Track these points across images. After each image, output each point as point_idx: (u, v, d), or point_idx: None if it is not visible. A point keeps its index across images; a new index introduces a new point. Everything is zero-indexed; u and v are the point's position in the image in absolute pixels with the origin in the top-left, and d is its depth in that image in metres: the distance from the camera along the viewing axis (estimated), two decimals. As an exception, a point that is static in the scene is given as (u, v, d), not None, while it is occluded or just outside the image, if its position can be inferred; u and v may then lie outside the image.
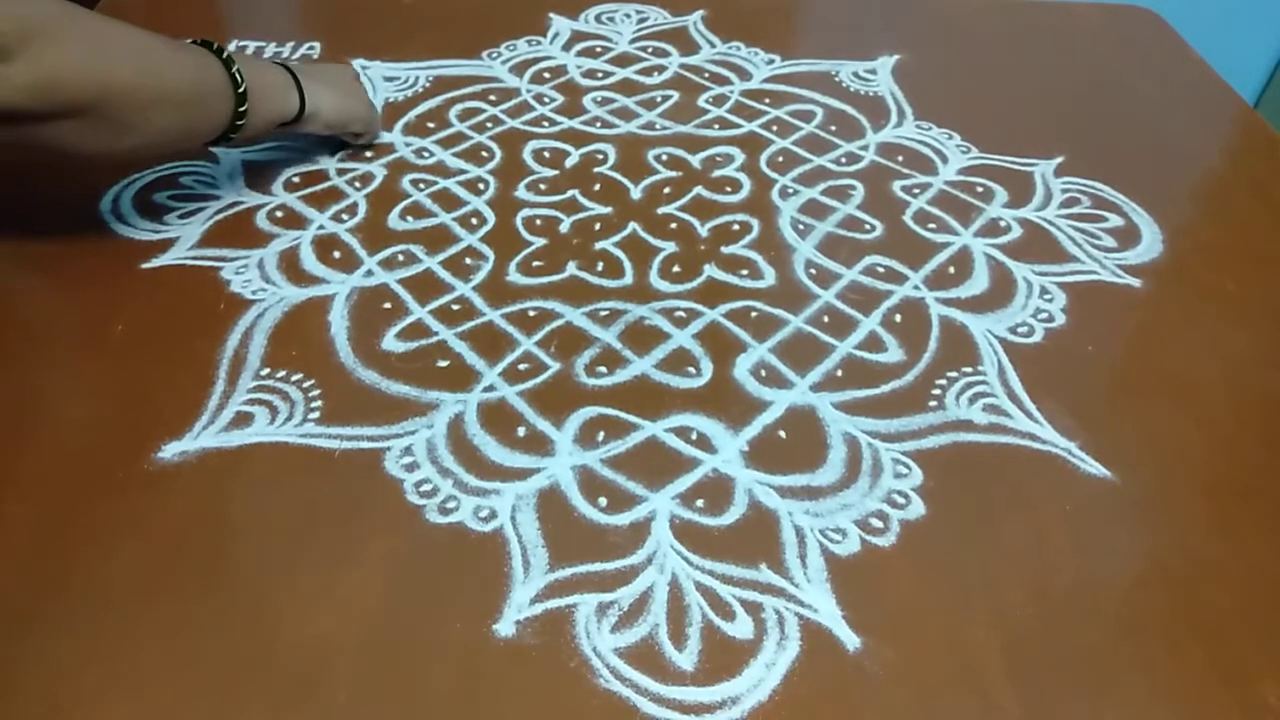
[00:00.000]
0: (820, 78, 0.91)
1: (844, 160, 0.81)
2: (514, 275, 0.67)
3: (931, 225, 0.74)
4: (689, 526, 0.51)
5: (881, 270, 0.69)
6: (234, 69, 0.62)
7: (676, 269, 0.68)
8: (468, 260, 0.68)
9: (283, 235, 0.69)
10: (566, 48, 0.94)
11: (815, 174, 0.79)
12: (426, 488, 0.52)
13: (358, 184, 0.75)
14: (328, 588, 0.48)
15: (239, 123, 0.64)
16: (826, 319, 0.65)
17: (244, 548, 0.50)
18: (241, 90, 0.63)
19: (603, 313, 0.64)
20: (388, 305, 0.64)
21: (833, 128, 0.85)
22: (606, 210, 0.74)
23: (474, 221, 0.72)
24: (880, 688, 0.45)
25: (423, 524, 0.51)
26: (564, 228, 0.72)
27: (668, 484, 0.53)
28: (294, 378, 0.58)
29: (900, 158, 0.81)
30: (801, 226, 0.73)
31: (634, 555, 0.50)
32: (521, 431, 0.56)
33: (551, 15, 0.99)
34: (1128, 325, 0.67)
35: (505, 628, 0.46)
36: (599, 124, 0.83)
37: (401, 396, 0.57)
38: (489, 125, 0.82)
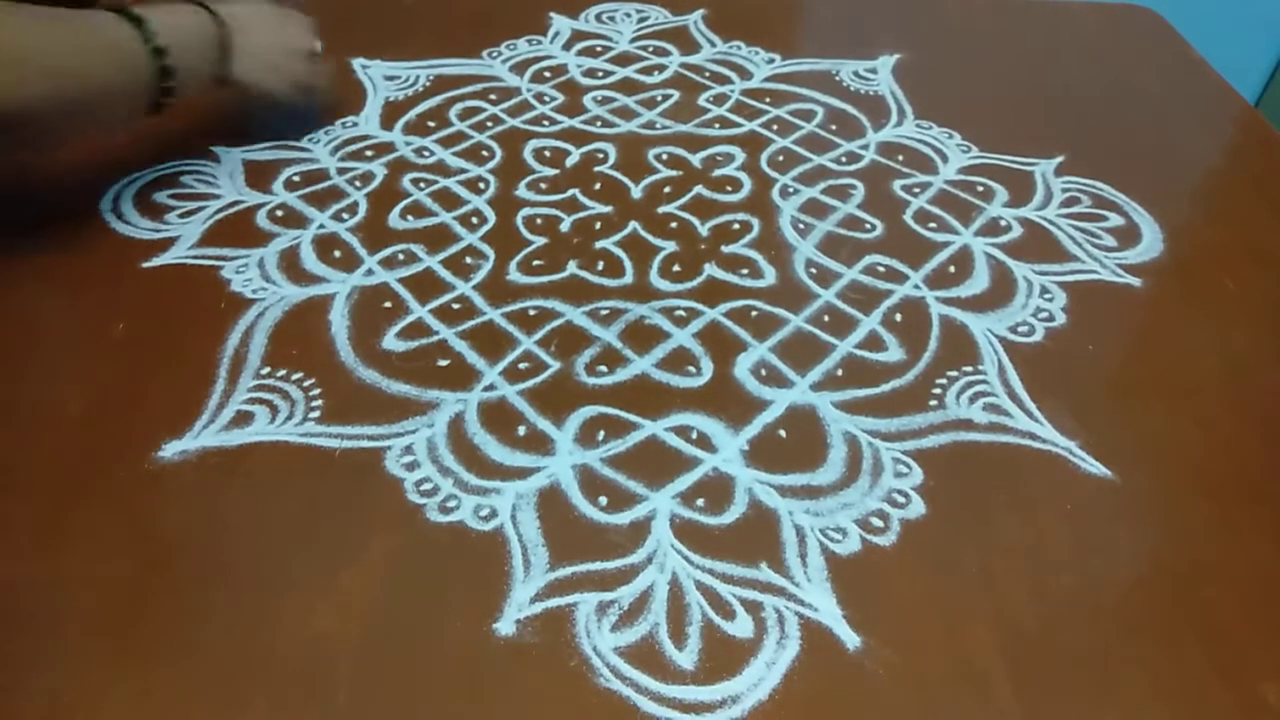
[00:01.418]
0: (820, 77, 0.91)
1: (844, 159, 0.81)
2: (514, 274, 0.67)
3: (932, 224, 0.74)
4: (689, 525, 0.51)
5: (882, 269, 0.69)
6: (167, 62, 0.62)
7: (677, 268, 0.68)
8: (468, 259, 0.68)
9: (283, 234, 0.69)
10: (567, 47, 0.94)
11: (815, 173, 0.79)
12: (427, 487, 0.52)
13: (358, 183, 0.75)
14: (328, 586, 0.48)
15: (161, 105, 0.64)
16: (827, 318, 0.65)
17: (244, 547, 0.50)
18: (170, 85, 0.63)
19: (603, 312, 0.64)
20: (388, 304, 0.64)
21: (833, 127, 0.85)
22: (607, 209, 0.74)
23: (474, 220, 0.72)
24: (880, 687, 0.45)
25: (423, 523, 0.51)
26: (564, 227, 0.72)
27: (668, 483, 0.53)
28: (294, 377, 0.58)
29: (900, 157, 0.81)
30: (802, 225, 0.73)
31: (634, 554, 0.50)
32: (522, 430, 0.56)
33: (552, 14, 0.99)
34: (1128, 324, 0.67)
35: (505, 627, 0.46)
36: (599, 123, 0.83)
37: (402, 395, 0.57)
38: (489, 124, 0.82)
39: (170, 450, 0.54)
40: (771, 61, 0.93)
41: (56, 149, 0.70)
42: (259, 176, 0.74)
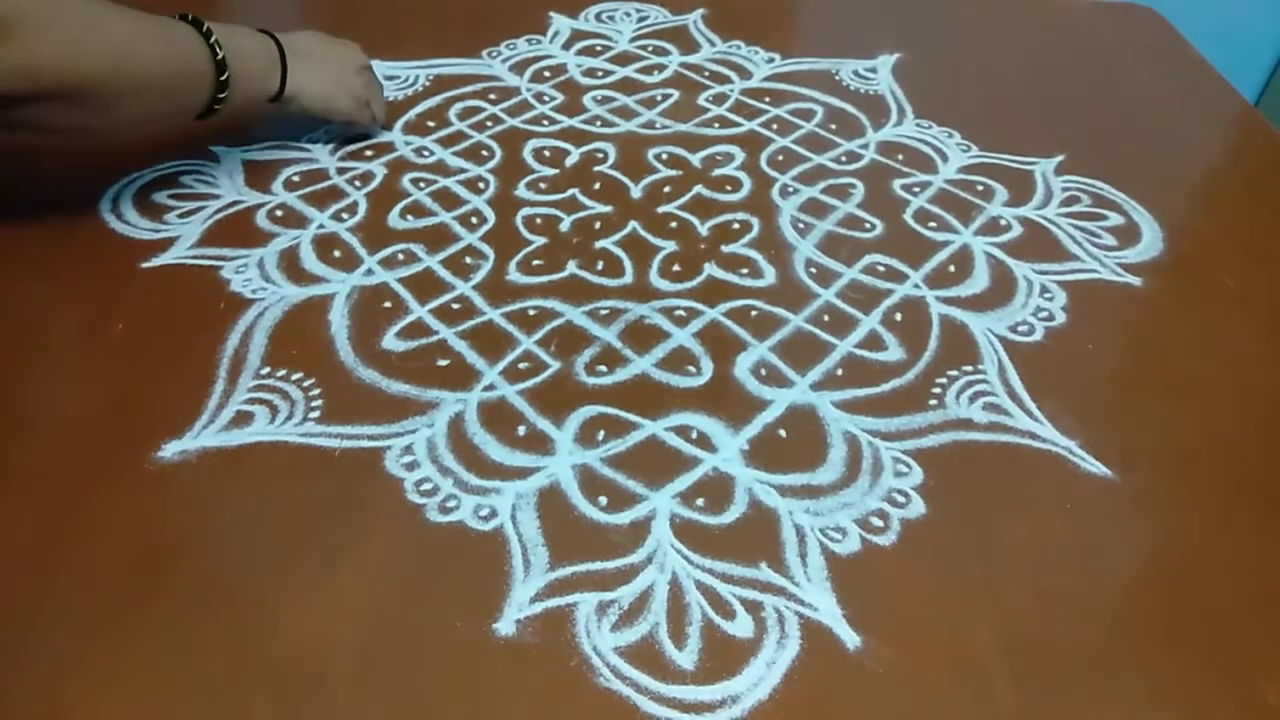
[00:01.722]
0: (820, 76, 0.91)
1: (844, 159, 0.81)
2: (514, 274, 0.67)
3: (932, 224, 0.74)
4: (689, 525, 0.51)
5: (882, 269, 0.69)
6: (219, 56, 0.63)
7: (677, 268, 0.68)
8: (468, 259, 0.68)
9: (283, 234, 0.69)
10: (566, 46, 0.94)
11: (815, 172, 0.79)
12: (427, 487, 0.52)
13: (358, 183, 0.75)
14: (328, 586, 0.48)
15: (217, 105, 0.65)
16: (827, 318, 0.65)
17: (244, 546, 0.50)
18: (224, 78, 0.64)
19: (603, 311, 0.64)
20: (388, 304, 0.64)
21: (833, 126, 0.85)
22: (607, 209, 0.74)
23: (474, 220, 0.72)
24: (880, 687, 0.45)
25: (423, 523, 0.51)
26: (564, 226, 0.72)
27: (668, 483, 0.53)
28: (294, 377, 0.58)
29: (900, 156, 0.81)
30: (802, 225, 0.73)
31: (634, 554, 0.50)
32: (522, 430, 0.56)
33: (551, 14, 0.99)
34: (1128, 324, 0.67)
35: (505, 627, 0.46)
36: (599, 123, 0.83)
37: (402, 395, 0.57)
38: (489, 124, 0.82)
39: (170, 450, 0.53)
40: (771, 61, 0.93)
41: (107, 134, 0.71)
42: (258, 176, 0.74)
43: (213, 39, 0.63)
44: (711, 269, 0.68)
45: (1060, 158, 0.82)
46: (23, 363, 0.59)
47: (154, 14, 0.61)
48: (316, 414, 0.56)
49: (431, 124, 0.82)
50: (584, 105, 0.86)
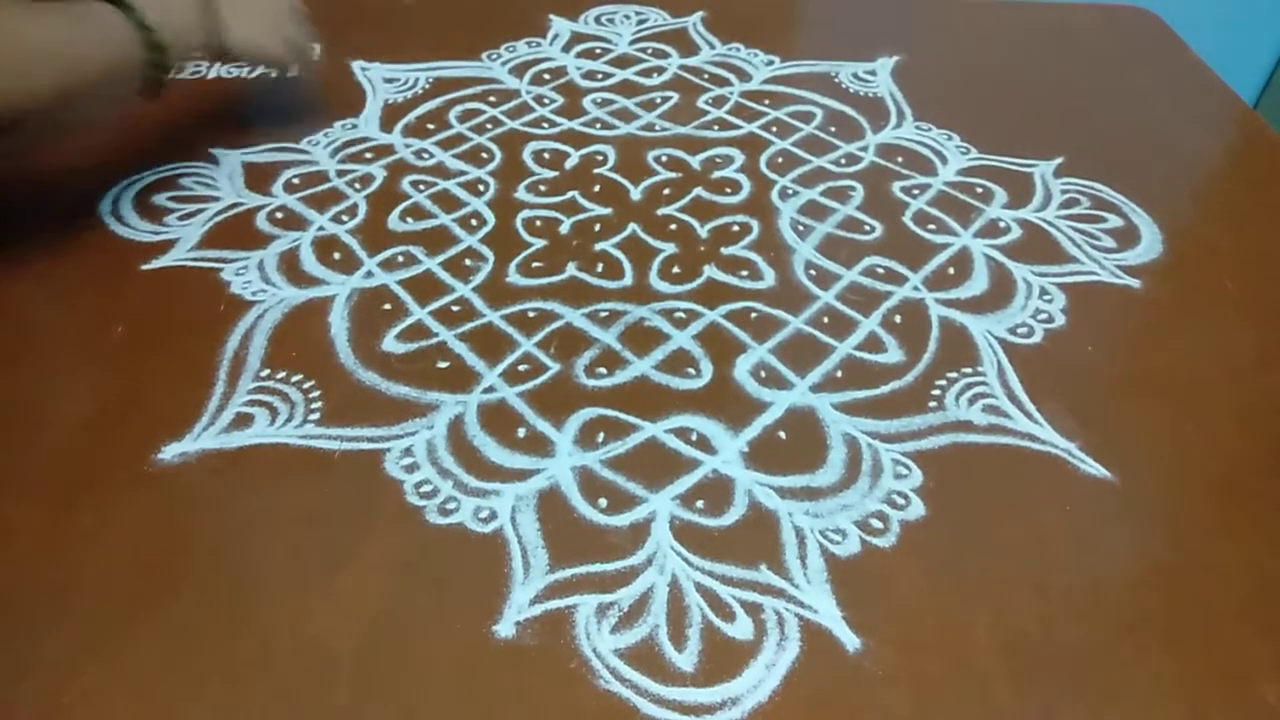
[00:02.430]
0: (820, 79, 0.92)
1: (843, 161, 0.81)
2: (514, 276, 0.67)
3: (931, 226, 0.74)
4: (689, 527, 0.51)
5: (881, 271, 0.69)
6: (151, 36, 0.62)
7: (676, 270, 0.68)
8: (467, 261, 0.68)
9: (283, 236, 0.69)
10: (566, 49, 0.94)
11: (815, 175, 0.79)
12: (426, 489, 0.52)
13: (357, 185, 0.75)
14: (328, 588, 0.48)
15: (158, 80, 0.64)
16: (826, 320, 0.65)
17: (244, 548, 0.50)
18: (163, 62, 0.63)
19: (602, 314, 0.64)
20: (388, 306, 0.64)
21: (832, 129, 0.85)
22: (606, 211, 0.74)
23: (474, 223, 0.72)
24: (880, 688, 0.45)
25: (423, 525, 0.51)
26: (564, 229, 0.72)
27: (668, 485, 0.53)
28: (294, 379, 0.58)
29: (900, 158, 0.81)
30: (801, 227, 0.73)
31: (634, 556, 0.50)
32: (521, 432, 0.56)
33: (551, 16, 0.99)
34: (1127, 326, 0.67)
35: (505, 628, 0.46)
36: (599, 125, 0.84)
37: (401, 397, 0.57)
38: (489, 126, 0.82)
39: (170, 452, 0.54)
40: (771, 63, 0.93)
41: (61, 142, 0.70)
42: (258, 178, 0.75)
43: (140, 19, 0.61)
44: (711, 271, 0.68)
45: (1059, 160, 0.82)
46: (23, 365, 0.59)
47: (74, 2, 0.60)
48: (316, 416, 0.56)
49: (431, 126, 0.82)
50: (583, 108, 0.86)
